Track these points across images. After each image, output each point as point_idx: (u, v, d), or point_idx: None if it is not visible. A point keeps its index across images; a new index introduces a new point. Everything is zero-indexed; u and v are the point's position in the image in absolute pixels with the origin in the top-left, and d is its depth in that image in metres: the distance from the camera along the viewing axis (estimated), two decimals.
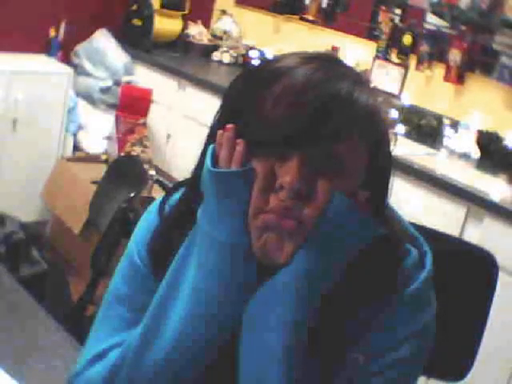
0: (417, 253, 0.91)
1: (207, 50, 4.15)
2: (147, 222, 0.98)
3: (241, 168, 0.82)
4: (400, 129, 3.20)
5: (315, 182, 0.81)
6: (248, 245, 0.83)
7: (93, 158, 3.58)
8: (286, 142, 0.80)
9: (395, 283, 0.88)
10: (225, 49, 4.12)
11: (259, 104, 0.82)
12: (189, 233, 0.88)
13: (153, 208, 0.99)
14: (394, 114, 3.26)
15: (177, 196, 0.97)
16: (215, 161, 0.84)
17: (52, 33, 3.80)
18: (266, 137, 0.81)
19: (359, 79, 0.86)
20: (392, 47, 3.44)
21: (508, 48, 2.99)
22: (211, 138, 0.88)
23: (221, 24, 4.22)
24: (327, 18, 3.78)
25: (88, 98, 3.81)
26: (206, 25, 4.30)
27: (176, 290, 0.87)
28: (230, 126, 0.84)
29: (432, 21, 3.26)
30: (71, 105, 3.65)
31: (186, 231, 0.89)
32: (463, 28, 3.14)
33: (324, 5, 3.79)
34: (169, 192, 0.99)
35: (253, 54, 3.93)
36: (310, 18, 3.85)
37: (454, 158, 3.00)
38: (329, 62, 0.86)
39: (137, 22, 3.97)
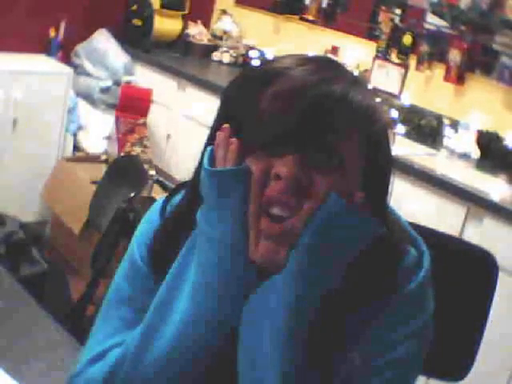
0: (415, 252, 0.91)
1: (207, 50, 4.15)
2: (149, 222, 0.98)
3: (235, 167, 0.82)
4: (400, 129, 3.20)
5: (312, 179, 0.81)
6: (246, 244, 0.83)
7: (93, 158, 3.58)
8: (279, 141, 0.81)
9: (395, 283, 0.88)
10: (225, 49, 4.12)
11: (255, 104, 0.82)
12: (190, 234, 0.88)
13: (155, 208, 0.99)
14: (393, 113, 3.26)
15: (179, 197, 0.97)
16: (213, 161, 0.85)
17: (52, 33, 3.80)
18: (260, 136, 0.82)
19: (355, 81, 0.86)
20: (392, 47, 3.44)
21: (508, 48, 2.99)
22: (210, 139, 0.88)
23: (221, 24, 4.22)
24: (327, 18, 3.78)
25: (88, 98, 3.81)
26: (206, 25, 4.30)
27: (177, 291, 0.87)
28: (225, 126, 0.84)
29: (432, 21, 3.26)
30: (71, 105, 3.65)
31: (187, 232, 0.89)
32: (463, 28, 3.14)
33: (324, 5, 3.79)
34: (171, 193, 0.99)
35: (253, 53, 3.93)
36: (310, 18, 3.85)
37: (453, 158, 3.00)
38: (325, 63, 0.87)
39: (137, 21, 3.97)
